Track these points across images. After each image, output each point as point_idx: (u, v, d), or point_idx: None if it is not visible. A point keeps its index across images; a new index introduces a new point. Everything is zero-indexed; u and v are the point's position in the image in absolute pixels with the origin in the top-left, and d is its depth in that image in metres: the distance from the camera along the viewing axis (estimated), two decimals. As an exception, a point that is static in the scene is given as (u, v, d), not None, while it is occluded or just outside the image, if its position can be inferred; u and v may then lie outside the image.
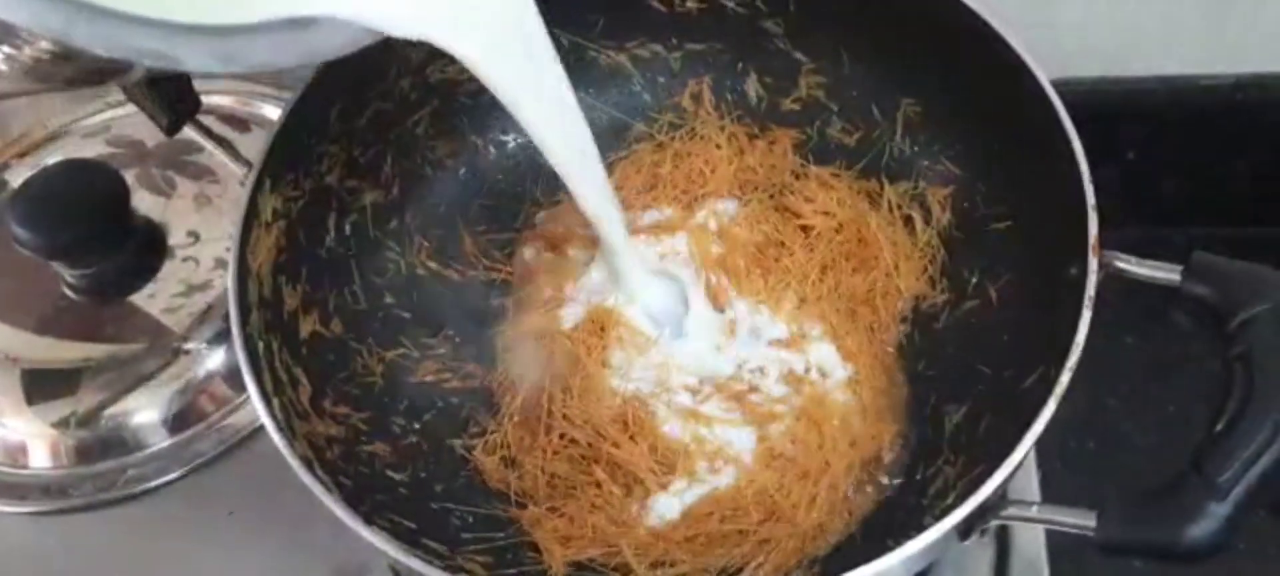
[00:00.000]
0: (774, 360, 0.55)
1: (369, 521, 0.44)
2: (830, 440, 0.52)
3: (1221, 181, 0.74)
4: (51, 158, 0.72)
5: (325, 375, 0.55)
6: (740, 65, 0.64)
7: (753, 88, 0.64)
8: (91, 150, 0.72)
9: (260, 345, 0.50)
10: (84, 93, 0.77)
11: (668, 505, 0.51)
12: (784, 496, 0.50)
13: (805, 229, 0.59)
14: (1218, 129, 0.72)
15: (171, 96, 0.55)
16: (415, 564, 0.43)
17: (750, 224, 0.59)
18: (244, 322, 0.49)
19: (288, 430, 0.47)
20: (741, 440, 0.53)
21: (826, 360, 0.55)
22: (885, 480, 0.52)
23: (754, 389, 0.54)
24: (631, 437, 0.52)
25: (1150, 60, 0.71)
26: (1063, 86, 0.50)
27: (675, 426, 0.53)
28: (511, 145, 0.64)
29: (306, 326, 0.55)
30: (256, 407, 0.47)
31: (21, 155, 0.74)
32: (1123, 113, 0.71)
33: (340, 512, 0.44)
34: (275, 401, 0.48)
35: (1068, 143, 0.49)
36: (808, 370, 0.55)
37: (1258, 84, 0.70)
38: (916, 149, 0.60)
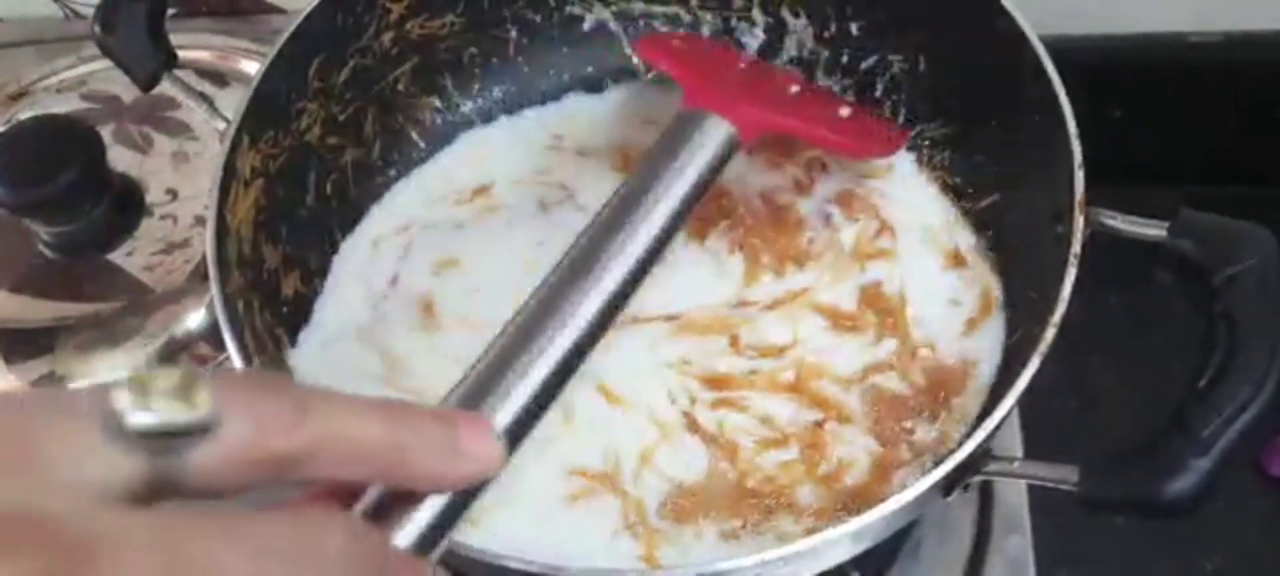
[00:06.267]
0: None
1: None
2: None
3: (1209, 140, 0.74)
4: (24, 113, 0.70)
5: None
6: (729, 21, 0.63)
7: (749, 44, 0.63)
8: (65, 106, 0.71)
9: (240, 304, 0.49)
10: (57, 46, 0.76)
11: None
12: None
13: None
14: (1206, 87, 0.72)
15: (147, 49, 0.54)
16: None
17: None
18: (224, 282, 0.48)
19: (269, 390, 0.46)
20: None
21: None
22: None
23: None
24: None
25: (1139, 17, 0.71)
26: (1051, 43, 0.50)
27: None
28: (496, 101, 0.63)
29: (288, 285, 0.54)
30: (237, 368, 0.46)
31: (-7, 111, 0.72)
32: (1111, 70, 0.71)
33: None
34: (257, 361, 0.48)
35: (1055, 99, 0.48)
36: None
37: (1247, 41, 0.70)
38: (906, 107, 0.60)
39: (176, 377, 0.25)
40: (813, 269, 0.54)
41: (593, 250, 0.40)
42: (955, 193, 0.57)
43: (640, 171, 0.44)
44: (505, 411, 0.34)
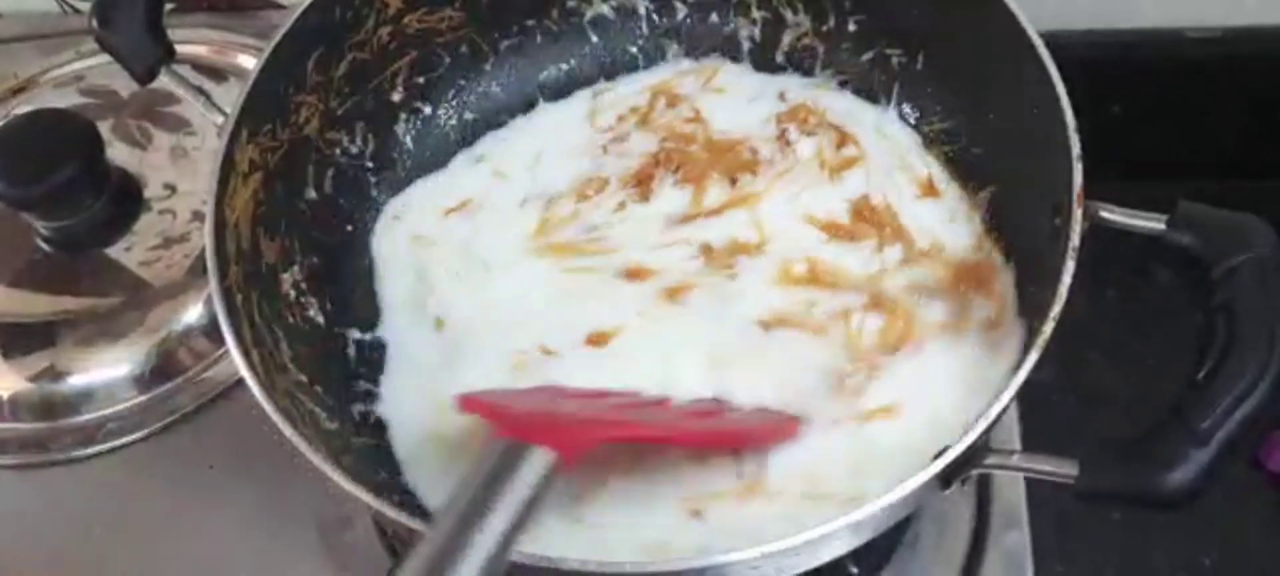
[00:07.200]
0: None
1: (350, 474, 0.44)
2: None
3: (1208, 135, 0.74)
4: (22, 108, 0.70)
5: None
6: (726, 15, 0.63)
7: (745, 39, 0.63)
8: (64, 100, 0.71)
9: (239, 298, 0.49)
10: (55, 41, 0.76)
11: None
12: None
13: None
14: (1205, 82, 0.72)
15: (145, 42, 0.54)
16: (396, 516, 0.43)
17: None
18: (222, 275, 0.48)
19: (267, 383, 0.46)
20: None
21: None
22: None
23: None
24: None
25: (1137, 12, 0.71)
26: (1050, 38, 0.50)
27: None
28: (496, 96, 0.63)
29: (287, 280, 0.54)
30: (235, 360, 0.46)
31: (-9, 105, 0.72)
32: (1110, 65, 0.71)
33: (321, 465, 0.43)
34: (255, 354, 0.48)
35: (1053, 94, 0.48)
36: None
37: (1246, 36, 0.70)
38: (904, 101, 0.60)
39: None
40: (766, 175, 0.55)
41: None
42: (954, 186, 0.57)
43: (450, 516, 0.38)
44: None
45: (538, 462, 0.39)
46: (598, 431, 0.45)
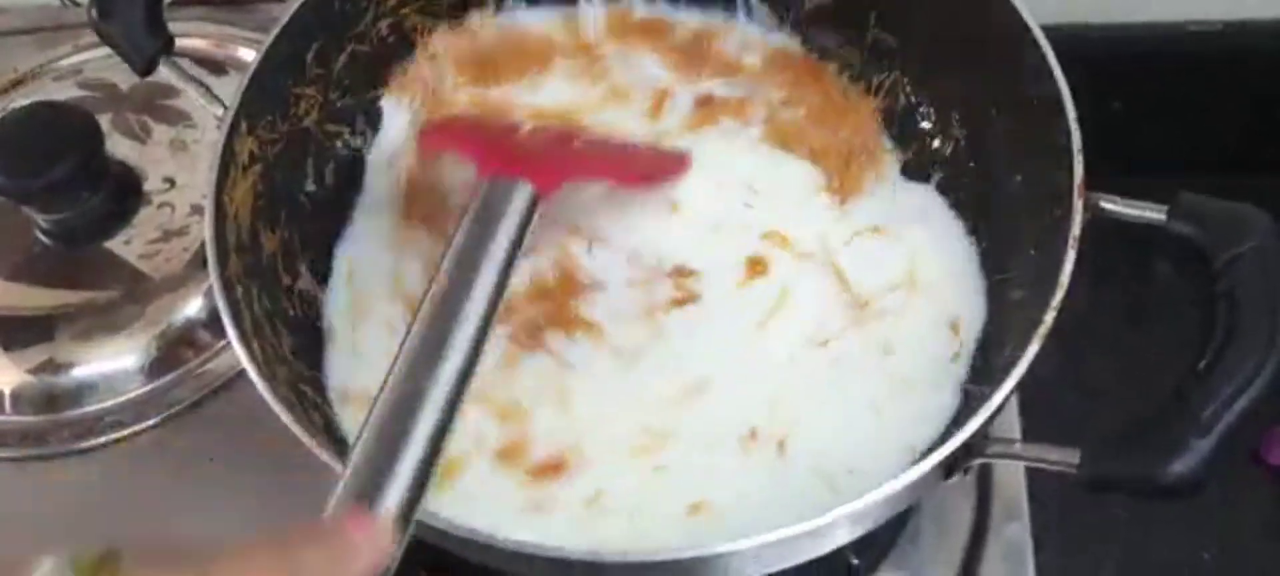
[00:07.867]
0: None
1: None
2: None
3: (1209, 130, 0.74)
4: (21, 101, 0.70)
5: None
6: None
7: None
8: (63, 93, 0.70)
9: (239, 290, 0.49)
10: (54, 34, 0.76)
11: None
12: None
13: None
14: (1206, 76, 0.72)
15: (144, 34, 0.54)
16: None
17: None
18: (222, 266, 0.48)
19: (269, 374, 0.46)
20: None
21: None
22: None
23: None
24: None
25: (1140, 6, 0.71)
26: (1051, 31, 0.50)
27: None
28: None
29: (287, 272, 0.54)
30: (236, 351, 0.46)
31: (-10, 98, 0.72)
32: (1111, 59, 0.71)
33: (325, 456, 0.43)
34: (256, 345, 0.47)
35: (1054, 87, 0.48)
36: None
37: (1247, 30, 0.70)
38: (904, 93, 0.60)
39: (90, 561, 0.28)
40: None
41: (432, 338, 0.41)
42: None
43: (454, 255, 0.43)
44: (394, 494, 0.37)
45: (522, 197, 0.44)
46: (568, 172, 0.51)
